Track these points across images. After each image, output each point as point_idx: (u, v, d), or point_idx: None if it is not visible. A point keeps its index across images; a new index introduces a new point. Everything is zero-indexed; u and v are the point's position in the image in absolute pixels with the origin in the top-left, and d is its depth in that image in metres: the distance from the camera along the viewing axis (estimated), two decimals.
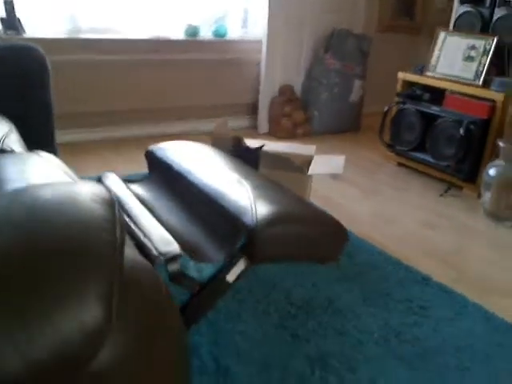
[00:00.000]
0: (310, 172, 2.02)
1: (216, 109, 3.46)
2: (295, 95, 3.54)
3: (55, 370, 0.46)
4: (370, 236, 2.08)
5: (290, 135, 3.43)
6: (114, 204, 0.57)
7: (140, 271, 0.59)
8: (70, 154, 2.78)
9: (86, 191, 0.57)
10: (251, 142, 2.16)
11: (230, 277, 0.99)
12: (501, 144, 2.25)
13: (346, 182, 2.68)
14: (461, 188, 2.65)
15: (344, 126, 3.63)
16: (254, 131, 3.55)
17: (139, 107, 3.18)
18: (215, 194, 1.13)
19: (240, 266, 0.99)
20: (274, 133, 3.49)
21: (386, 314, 1.56)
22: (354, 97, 3.62)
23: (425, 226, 2.24)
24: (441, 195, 2.59)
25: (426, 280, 1.78)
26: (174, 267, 0.96)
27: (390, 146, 3.01)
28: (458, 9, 2.94)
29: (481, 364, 1.37)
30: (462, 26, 2.90)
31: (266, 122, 3.54)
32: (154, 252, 0.97)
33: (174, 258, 0.96)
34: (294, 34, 3.47)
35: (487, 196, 2.32)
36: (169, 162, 1.36)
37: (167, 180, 1.35)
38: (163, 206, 1.25)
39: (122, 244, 0.53)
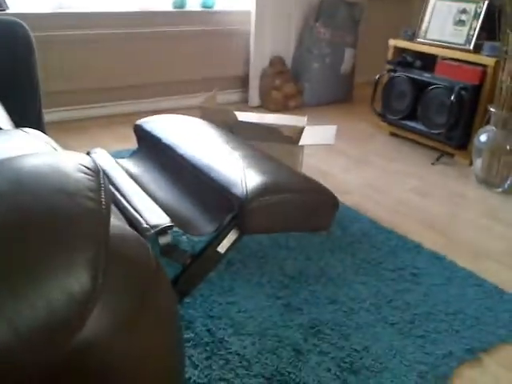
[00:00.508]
0: (300, 143, 2.02)
1: (206, 82, 3.42)
2: (286, 67, 3.50)
3: (44, 340, 0.46)
4: (362, 206, 2.09)
5: (281, 108, 3.40)
6: (99, 173, 0.57)
7: (128, 241, 0.59)
8: (58, 132, 2.75)
9: (71, 161, 0.56)
10: (242, 115, 2.14)
11: (222, 248, 1.00)
12: (492, 109, 2.24)
13: (337, 153, 2.68)
14: (452, 155, 2.65)
15: (336, 97, 3.60)
16: (245, 105, 3.52)
17: (128, 83, 3.13)
18: (205, 167, 1.12)
19: (231, 237, 1.00)
20: (266, 106, 3.45)
21: (378, 283, 1.58)
22: (346, 66, 3.58)
23: (416, 194, 2.25)
24: (432, 163, 2.60)
25: (417, 248, 1.79)
26: (164, 240, 0.97)
27: (382, 116, 2.99)
28: None
29: (471, 328, 1.40)
30: None
31: (256, 94, 3.50)
32: (145, 225, 0.97)
33: (164, 231, 0.96)
34: (283, 3, 3.40)
35: (478, 162, 2.33)
36: (157, 135, 1.35)
37: (156, 154, 1.34)
38: (153, 179, 1.24)
39: (108, 213, 0.53)
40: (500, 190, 2.28)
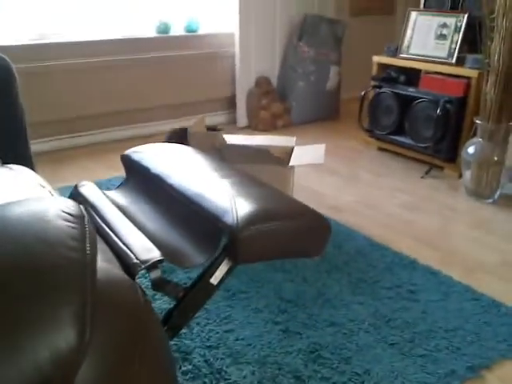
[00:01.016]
0: (290, 163, 2.01)
1: (194, 105, 3.43)
2: (272, 86, 3.52)
3: None
4: (356, 223, 2.08)
5: (269, 127, 3.41)
6: (83, 219, 0.55)
7: (115, 286, 0.57)
8: (47, 163, 2.73)
9: (55, 208, 0.55)
10: (231, 138, 2.14)
11: (214, 279, 0.98)
12: (478, 122, 2.26)
13: (327, 170, 2.68)
14: (442, 168, 2.66)
15: (323, 114, 3.62)
16: (233, 125, 3.53)
17: (115, 109, 3.13)
18: (194, 195, 1.11)
19: (224, 268, 0.98)
20: (254, 126, 3.46)
21: (376, 302, 1.56)
22: (331, 84, 3.61)
23: (408, 208, 2.25)
24: (422, 177, 2.60)
25: (412, 263, 1.78)
26: (155, 274, 0.94)
27: (370, 131, 3.01)
28: None
29: (471, 344, 1.38)
30: (432, 5, 2.90)
31: (244, 115, 3.51)
32: (135, 260, 0.95)
33: (155, 265, 0.94)
34: (266, 23, 3.44)
35: (467, 174, 2.34)
36: (145, 165, 1.33)
37: (145, 184, 1.33)
38: (142, 211, 1.23)
39: (93, 261, 0.52)
40: (490, 201, 2.29)
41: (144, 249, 0.98)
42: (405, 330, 1.44)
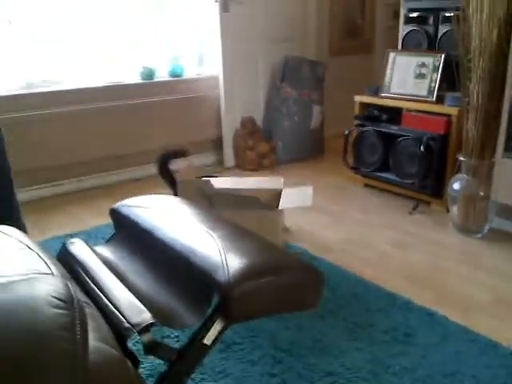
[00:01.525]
0: (279, 207, 2.01)
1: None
2: (257, 127, 3.56)
3: None
4: (347, 263, 2.07)
5: (256, 167, 3.43)
6: (73, 303, 0.53)
7: (107, 370, 0.55)
8: (35, 212, 2.70)
9: (43, 293, 0.53)
10: (219, 181, 2.14)
11: (208, 340, 0.95)
12: (461, 158, 2.30)
13: (315, 210, 2.68)
14: (428, 203, 2.69)
15: (308, 153, 3.66)
16: (221, 166, 3.55)
17: (101, 156, 3.12)
18: (184, 251, 1.10)
19: (217, 327, 0.96)
20: (241, 165, 3.48)
21: (373, 347, 1.54)
22: (315, 123, 3.67)
23: (398, 246, 2.25)
24: (410, 213, 2.62)
25: (407, 304, 1.77)
26: (147, 338, 0.92)
27: (355, 169, 3.04)
28: (404, 28, 3.04)
29: None
30: (410, 45, 2.99)
31: (231, 155, 3.53)
32: (126, 324, 0.92)
33: (146, 329, 0.92)
34: (249, 66, 3.51)
35: (455, 210, 2.36)
36: (134, 219, 1.32)
37: (135, 239, 1.31)
38: (132, 268, 1.20)
39: (85, 350, 0.50)
40: (479, 236, 2.31)
41: (135, 311, 0.96)
42: (403, 376, 1.42)
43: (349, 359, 1.48)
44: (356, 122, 3.00)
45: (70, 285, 0.61)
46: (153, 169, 3.31)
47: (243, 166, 3.46)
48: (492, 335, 1.59)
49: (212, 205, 1.91)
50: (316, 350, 1.53)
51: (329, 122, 3.83)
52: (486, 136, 2.25)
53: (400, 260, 2.13)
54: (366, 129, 2.93)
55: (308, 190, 2.14)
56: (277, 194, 2.00)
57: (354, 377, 1.41)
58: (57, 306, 0.50)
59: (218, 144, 3.58)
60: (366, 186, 3.05)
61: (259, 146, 3.47)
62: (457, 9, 2.51)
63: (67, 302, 0.51)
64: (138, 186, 3.13)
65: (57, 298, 0.51)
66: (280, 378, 1.40)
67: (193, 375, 1.39)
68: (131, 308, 0.97)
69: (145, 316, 0.94)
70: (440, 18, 2.86)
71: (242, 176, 3.09)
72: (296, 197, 2.15)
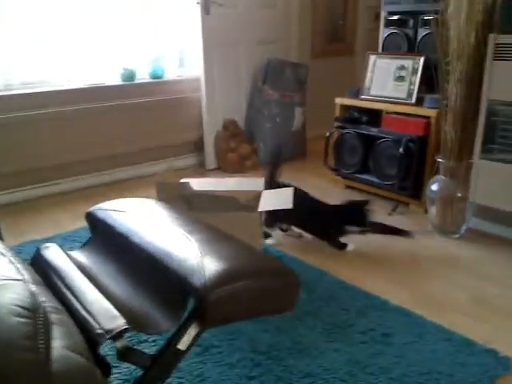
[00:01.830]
0: (259, 209, 2.01)
1: (161, 150, 3.43)
2: (239, 129, 3.56)
3: None
4: (325, 264, 2.09)
5: (238, 169, 3.43)
6: (37, 310, 0.53)
7: (71, 376, 0.54)
8: (12, 215, 2.66)
9: (7, 302, 0.52)
10: (199, 183, 2.13)
11: (183, 345, 0.95)
12: (439, 160, 2.33)
13: None
14: (407, 204, 2.72)
15: (290, 154, 3.67)
16: (202, 168, 3.54)
17: (80, 158, 3.09)
18: (160, 255, 1.09)
19: (191, 333, 0.95)
20: (223, 167, 3.48)
21: (350, 348, 1.55)
22: (297, 124, 3.69)
23: (376, 246, 2.28)
24: (389, 214, 2.65)
25: (384, 305, 1.79)
26: (121, 344, 0.91)
27: (336, 170, 3.06)
28: (384, 31, 3.07)
29: None
30: (390, 47, 3.02)
31: (213, 157, 3.53)
32: (99, 330, 0.92)
33: (120, 335, 0.91)
34: (231, 68, 3.51)
35: (433, 210, 2.39)
36: (110, 223, 1.31)
37: (111, 243, 1.30)
38: (107, 273, 1.19)
39: (48, 357, 0.49)
40: (456, 236, 2.34)
41: (108, 317, 0.95)
42: (380, 375, 1.43)
43: (327, 360, 1.49)
44: (336, 123, 3.02)
45: (36, 292, 0.60)
46: (133, 171, 3.31)
47: (225, 168, 3.46)
48: (468, 334, 1.61)
49: (191, 206, 1.91)
50: (294, 351, 1.53)
51: (311, 124, 3.85)
52: (463, 138, 2.29)
53: (377, 260, 2.15)
54: (346, 131, 2.95)
55: (288, 192, 2.14)
56: (257, 196, 2.00)
57: (332, 377, 1.42)
58: (19, 315, 0.49)
59: (199, 146, 3.57)
60: (348, 187, 3.07)
61: (241, 147, 3.47)
62: (436, 12, 2.54)
63: (31, 310, 0.50)
64: (117, 189, 3.11)
65: (20, 307, 0.50)
66: (258, 381, 1.40)
67: (170, 379, 1.39)
68: (104, 313, 0.96)
69: (118, 322, 0.93)
70: (419, 22, 2.90)
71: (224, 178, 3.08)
72: (276, 198, 2.15)
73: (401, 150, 2.60)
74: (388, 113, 2.82)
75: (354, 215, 2.19)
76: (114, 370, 1.40)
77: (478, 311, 1.77)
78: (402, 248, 2.27)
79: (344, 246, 2.24)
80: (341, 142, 2.98)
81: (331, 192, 3.03)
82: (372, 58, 3.01)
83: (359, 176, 2.92)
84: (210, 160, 3.52)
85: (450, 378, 1.42)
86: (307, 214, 2.26)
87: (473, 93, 2.25)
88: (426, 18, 2.84)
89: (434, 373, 1.44)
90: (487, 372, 1.44)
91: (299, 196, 2.14)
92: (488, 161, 2.17)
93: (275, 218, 2.31)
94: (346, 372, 1.45)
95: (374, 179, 2.82)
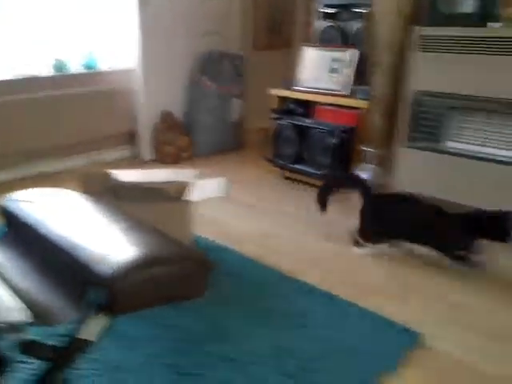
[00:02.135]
0: (191, 198, 2.00)
1: (94, 142, 3.33)
2: (176, 120, 3.52)
3: None
4: (259, 253, 2.11)
5: (175, 160, 3.40)
6: None
7: None
8: None
9: None
10: (126, 175, 2.09)
11: (89, 335, 0.93)
12: (365, 149, 2.40)
13: (233, 202, 2.70)
14: (341, 193, 2.78)
15: (228, 146, 3.68)
16: (138, 160, 3.47)
17: (10, 150, 2.95)
18: (70, 246, 1.06)
19: (99, 322, 0.94)
20: (160, 159, 3.43)
21: (273, 331, 1.58)
22: (235, 116, 3.69)
23: (309, 235, 2.32)
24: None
25: (310, 289, 1.83)
26: (23, 337, 0.89)
27: (273, 161, 3.09)
28: (319, 23, 3.12)
29: (363, 364, 1.43)
30: (325, 40, 3.07)
31: (148, 149, 3.47)
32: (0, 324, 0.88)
33: (21, 328, 0.88)
34: (169, 60, 3.45)
35: None
36: (23, 214, 1.26)
37: (24, 236, 1.25)
38: (17, 266, 1.15)
39: None
40: None
41: (11, 310, 0.92)
42: (301, 357, 1.46)
43: (249, 344, 1.51)
44: (273, 115, 3.05)
45: None
46: (65, 163, 3.19)
47: (162, 160, 3.41)
48: (388, 314, 1.67)
49: (118, 198, 1.87)
50: (216, 337, 1.54)
51: (252, 116, 3.85)
52: (389, 127, 2.37)
53: (309, 248, 2.19)
54: (282, 122, 2.99)
55: (222, 181, 2.14)
56: (186, 186, 1.99)
57: (254, 361, 1.44)
58: None
59: (133, 138, 3.50)
60: (287, 178, 3.11)
61: (178, 139, 3.43)
62: (367, 6, 2.61)
63: None
64: (45, 182, 3.00)
65: None
66: (179, 368, 1.40)
67: (85, 371, 1.36)
68: (7, 307, 0.93)
69: (21, 315, 0.90)
70: (353, 15, 2.96)
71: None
72: (210, 188, 2.15)
73: (334, 140, 2.66)
74: (321, 104, 2.87)
75: (492, 227, 1.87)
76: (24, 365, 1.34)
77: (399, 292, 1.85)
78: (335, 235, 2.32)
79: (477, 264, 1.92)
80: (277, 132, 3.02)
81: (268, 183, 3.07)
82: (306, 49, 3.05)
83: (295, 166, 2.97)
84: (146, 152, 3.47)
85: (366, 353, 1.48)
86: (424, 225, 1.95)
87: (397, 84, 2.34)
88: (358, 11, 2.90)
89: (352, 351, 1.49)
90: (400, 346, 1.51)
91: (413, 203, 1.96)
92: (411, 149, 2.26)
93: (380, 229, 2.05)
94: (269, 355, 1.47)
95: (309, 169, 2.87)
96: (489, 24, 1.98)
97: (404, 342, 1.54)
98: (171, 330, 1.57)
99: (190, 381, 1.36)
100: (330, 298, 1.78)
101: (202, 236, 2.24)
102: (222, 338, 1.54)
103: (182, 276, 1.03)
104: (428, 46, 2.17)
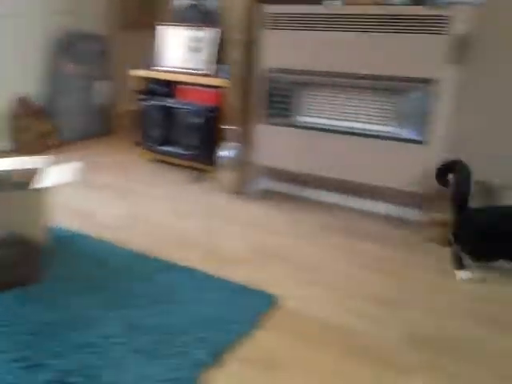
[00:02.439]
0: (40, 185, 1.90)
1: None
2: (35, 106, 3.29)
3: None
4: (124, 238, 2.06)
5: (37, 149, 3.19)
6: None
7: None
8: None
9: None
10: None
11: None
12: (226, 127, 2.46)
13: (100, 187, 2.61)
14: (209, 172, 2.83)
15: (98, 130, 3.54)
16: None
17: None
18: None
19: None
20: (20, 149, 3.19)
21: (132, 312, 1.56)
22: (100, 99, 3.55)
23: (178, 216, 2.33)
24: (191, 183, 2.72)
25: (173, 267, 1.84)
26: None
27: (142, 144, 3.04)
28: (180, 2, 3.09)
29: (219, 332, 1.48)
30: (187, 19, 3.06)
31: (6, 138, 3.21)
32: None
33: None
34: (18, 42, 3.20)
35: (227, 175, 2.53)
36: None
37: None
38: None
39: None
40: (249, 197, 2.51)
41: None
42: (158, 333, 1.46)
43: (107, 328, 1.48)
44: (138, 96, 2.98)
45: None
46: None
47: (22, 148, 3.18)
48: (248, 282, 1.74)
49: None
50: (72, 325, 1.49)
51: (122, 98, 3.73)
52: (247, 105, 2.44)
53: (176, 229, 2.20)
54: (148, 103, 2.94)
55: (75, 166, 2.05)
56: (33, 173, 1.88)
57: (109, 343, 1.42)
58: None
59: None
60: (155, 161, 3.08)
61: (39, 126, 3.22)
62: None
63: None
64: None
65: None
66: (28, 362, 1.33)
67: None
68: None
69: None
70: None
71: None
72: (61, 174, 2.05)
73: (199, 120, 2.68)
74: (186, 84, 2.87)
75: None
76: None
77: (257, 260, 1.94)
78: (201, 213, 2.35)
79: None
80: (144, 114, 2.96)
81: (138, 167, 3.01)
82: (166, 29, 3.02)
83: (163, 148, 2.95)
84: (2, 142, 3.20)
85: (223, 320, 1.52)
86: None
87: (252, 62, 2.41)
88: None
89: (210, 321, 1.53)
90: (255, 310, 1.58)
91: None
92: (268, 125, 2.36)
93: (489, 248, 1.82)
94: (124, 336, 1.46)
95: (177, 150, 2.87)
96: (324, 2, 2.10)
97: (261, 305, 1.62)
98: (18, 322, 1.49)
99: (40, 373, 1.30)
100: (190, 273, 1.80)
101: (65, 225, 2.15)
102: (78, 325, 1.49)
103: (10, 261, 0.98)
104: (275, 23, 2.25)
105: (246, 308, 1.60)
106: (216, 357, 1.38)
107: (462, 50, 1.93)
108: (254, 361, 1.38)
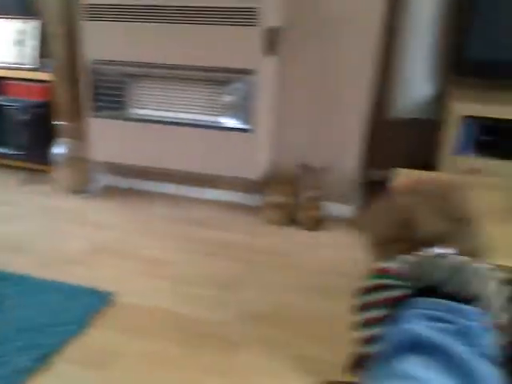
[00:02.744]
0: None
1: None
2: None
3: None
4: None
5: None
6: None
7: None
8: None
9: None
10: None
11: None
12: (57, 122, 2.35)
13: None
14: (42, 172, 2.67)
15: None
16: None
17: None
18: None
19: None
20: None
21: None
22: None
23: (7, 220, 2.19)
24: (22, 184, 2.56)
25: (5, 277, 1.73)
26: None
27: None
28: None
29: (47, 336, 1.45)
30: (9, 10, 2.82)
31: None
32: None
33: None
34: None
35: (62, 173, 2.43)
36: None
37: None
38: None
39: None
40: (87, 194, 2.44)
41: None
42: None
43: None
44: None
45: None
46: None
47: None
48: (82, 281, 1.71)
49: None
50: None
51: None
52: (75, 98, 2.35)
53: (7, 234, 2.06)
54: None
55: None
56: None
57: None
58: None
59: None
60: None
61: None
62: None
63: None
64: None
65: None
66: None
67: None
68: None
69: None
70: None
71: None
72: None
73: (27, 117, 2.52)
74: (11, 79, 2.66)
75: None
76: None
77: (96, 259, 1.91)
78: (35, 215, 2.24)
79: None
80: None
81: None
82: None
83: None
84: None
85: (52, 323, 1.50)
86: None
87: (75, 54, 2.32)
88: None
89: (37, 325, 1.49)
90: (87, 309, 1.57)
91: None
92: (99, 118, 2.30)
93: None
94: None
95: (6, 150, 2.67)
96: None
97: (93, 304, 1.61)
98: None
99: None
100: (22, 280, 1.72)
101: None
102: None
103: None
104: (94, 14, 2.19)
105: (77, 309, 1.59)
106: (42, 361, 1.35)
107: (274, 40, 2.08)
108: (82, 360, 1.37)
